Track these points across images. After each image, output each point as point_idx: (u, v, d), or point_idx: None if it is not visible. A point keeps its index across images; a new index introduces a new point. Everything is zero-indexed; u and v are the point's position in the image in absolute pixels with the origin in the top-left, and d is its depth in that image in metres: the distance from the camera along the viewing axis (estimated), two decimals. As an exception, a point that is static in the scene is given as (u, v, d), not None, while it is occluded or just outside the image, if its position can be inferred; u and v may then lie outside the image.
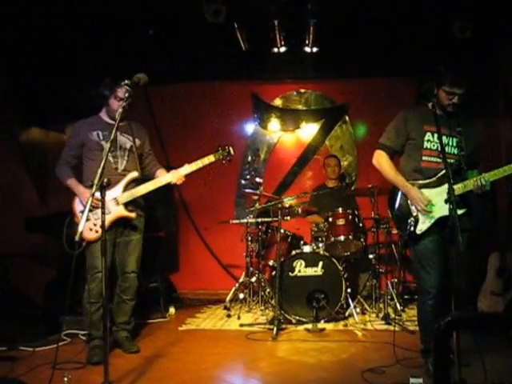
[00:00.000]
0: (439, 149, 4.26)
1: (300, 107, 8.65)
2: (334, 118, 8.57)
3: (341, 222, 6.58)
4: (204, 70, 7.97)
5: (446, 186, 4.14)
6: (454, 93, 4.28)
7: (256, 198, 7.17)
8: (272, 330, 5.77)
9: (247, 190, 7.45)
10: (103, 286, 3.83)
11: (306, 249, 6.48)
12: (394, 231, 6.87)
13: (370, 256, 6.74)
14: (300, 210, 6.99)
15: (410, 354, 4.74)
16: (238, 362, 5.03)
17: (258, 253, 7.15)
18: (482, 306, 5.71)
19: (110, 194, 4.81)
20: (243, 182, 8.62)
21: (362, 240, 6.63)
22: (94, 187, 3.75)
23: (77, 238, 3.60)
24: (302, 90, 8.63)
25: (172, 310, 7.00)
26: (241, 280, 7.25)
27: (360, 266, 7.25)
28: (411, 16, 6.58)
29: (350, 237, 6.51)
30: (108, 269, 4.75)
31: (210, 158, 5.19)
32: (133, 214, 4.99)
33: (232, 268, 8.28)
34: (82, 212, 4.58)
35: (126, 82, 4.21)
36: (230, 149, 5.32)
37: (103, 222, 3.77)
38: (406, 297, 7.12)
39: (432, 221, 4.29)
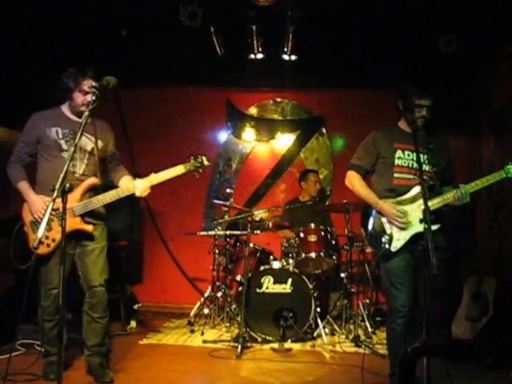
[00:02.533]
0: (410, 166, 4.46)
1: (276, 117, 8.68)
2: (311, 129, 8.61)
3: (312, 238, 6.59)
4: (178, 75, 7.97)
5: (419, 202, 4.32)
6: (422, 105, 4.41)
7: (225, 209, 7.16)
8: (236, 347, 5.76)
9: (216, 201, 7.40)
10: (60, 301, 3.68)
11: (275, 265, 6.48)
12: (368, 250, 6.93)
13: (342, 275, 6.74)
14: (271, 224, 7.01)
15: (379, 380, 4.77)
16: (199, 380, 5.02)
17: (225, 267, 7.13)
18: (456, 331, 5.74)
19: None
20: (213, 192, 8.59)
21: (334, 258, 6.66)
22: (56, 192, 3.63)
23: (35, 244, 3.49)
24: (279, 99, 8.67)
25: (133, 323, 6.95)
26: (206, 294, 7.22)
27: (331, 285, 7.26)
28: (395, 27, 6.64)
29: (322, 254, 6.52)
30: (67, 283, 4.69)
31: (180, 169, 4.80)
32: (90, 227, 4.62)
33: (198, 281, 8.25)
34: (33, 223, 4.52)
35: (94, 84, 4.15)
36: (204, 159, 4.90)
37: (63, 229, 3.66)
38: (377, 319, 7.08)
39: (407, 237, 4.35)
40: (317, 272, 6.77)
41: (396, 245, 4.36)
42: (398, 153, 4.49)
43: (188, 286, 8.33)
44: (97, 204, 4.60)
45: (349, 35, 6.94)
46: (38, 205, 4.49)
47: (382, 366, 4.97)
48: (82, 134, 3.95)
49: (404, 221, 4.32)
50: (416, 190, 4.37)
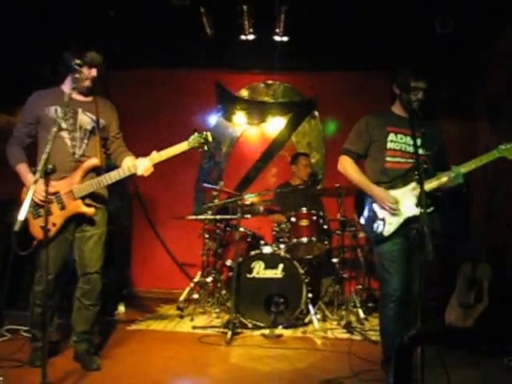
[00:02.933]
0: (403, 149, 4.41)
1: (267, 99, 8.57)
2: (302, 112, 8.52)
3: (304, 222, 6.49)
4: (166, 56, 7.83)
5: (412, 185, 4.31)
6: (419, 87, 4.35)
7: (215, 193, 7.07)
8: (226, 334, 5.68)
9: (206, 185, 7.27)
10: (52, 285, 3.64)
11: (266, 249, 6.40)
12: (361, 235, 6.87)
13: (334, 260, 6.66)
14: (262, 209, 6.91)
15: (371, 366, 4.72)
16: (188, 367, 4.89)
17: (215, 251, 7.05)
18: (450, 318, 5.69)
19: (65, 185, 4.44)
20: (203, 176, 8.48)
21: (326, 243, 6.56)
22: (38, 174, 3.53)
23: (16, 227, 3.38)
24: (270, 82, 8.56)
25: (122, 308, 6.88)
26: (196, 280, 7.13)
27: (322, 270, 7.19)
28: (389, 8, 6.50)
29: (314, 239, 6.41)
30: (61, 269, 4.61)
31: (184, 146, 4.64)
32: (91, 210, 4.51)
33: (187, 266, 8.16)
34: (32, 206, 4.39)
35: (77, 61, 4.02)
36: (208, 134, 4.69)
37: (46, 217, 3.58)
38: (370, 305, 7.03)
39: (400, 221, 4.29)
40: (308, 257, 6.70)
41: (389, 229, 4.30)
42: (391, 136, 4.44)
43: (177, 271, 8.24)
44: (98, 185, 4.51)
45: (341, 16, 6.77)
46: (38, 189, 4.25)
47: (374, 353, 4.93)
48: (67, 114, 3.83)
49: (395, 207, 4.27)
50: (408, 172, 4.33)
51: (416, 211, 4.12)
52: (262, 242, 6.84)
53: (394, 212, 4.27)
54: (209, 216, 6.95)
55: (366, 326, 6.36)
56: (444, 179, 4.30)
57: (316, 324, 6.16)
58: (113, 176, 4.54)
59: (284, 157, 8.32)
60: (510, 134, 6.36)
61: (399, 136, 4.42)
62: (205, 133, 4.71)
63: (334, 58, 7.80)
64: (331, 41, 7.36)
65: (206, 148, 4.73)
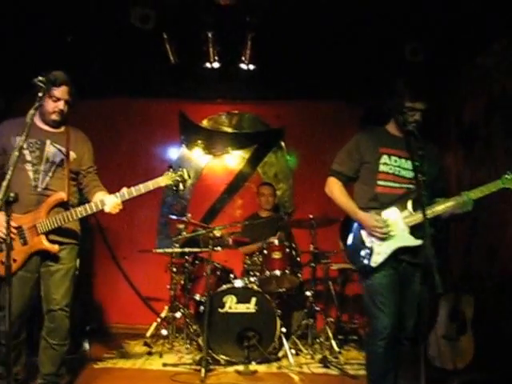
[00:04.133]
0: (396, 173, 4.11)
1: (231, 130, 8.38)
2: (269, 143, 8.35)
3: (277, 255, 6.22)
4: (127, 85, 7.58)
5: (405, 213, 4.01)
6: (416, 108, 4.03)
7: (182, 226, 6.78)
8: (199, 371, 5.39)
9: (174, 217, 6.96)
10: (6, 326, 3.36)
11: (238, 283, 6.14)
12: (334, 267, 6.66)
13: (308, 293, 6.39)
14: (231, 241, 6.64)
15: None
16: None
17: (183, 286, 6.75)
18: (432, 351, 5.48)
19: (28, 220, 4.16)
20: (166, 208, 8.19)
21: (299, 275, 6.32)
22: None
23: None
24: (235, 112, 8.38)
25: (86, 345, 6.45)
26: (163, 315, 6.81)
27: (293, 303, 6.92)
28: (358, 37, 6.41)
29: (287, 271, 6.17)
30: (24, 309, 4.27)
31: (157, 183, 4.30)
32: (54, 247, 4.20)
33: (153, 301, 7.81)
34: None
35: (40, 78, 3.71)
36: (184, 172, 4.36)
37: (8, 249, 3.26)
38: (340, 337, 6.85)
39: (389, 252, 3.98)
40: (281, 290, 6.45)
41: (376, 259, 3.99)
42: (384, 158, 4.14)
43: (142, 306, 7.87)
44: (63, 221, 4.20)
45: (309, 45, 6.67)
46: None
47: None
48: (27, 136, 3.49)
49: (384, 231, 3.95)
50: (400, 199, 4.05)
51: (408, 242, 3.97)
52: (232, 276, 6.57)
53: (384, 237, 3.96)
54: (177, 249, 6.63)
55: (341, 359, 6.13)
56: (450, 203, 3.98)
57: (291, 359, 5.91)
58: (79, 212, 4.23)
59: (250, 188, 8.12)
60: (483, 162, 6.30)
61: (393, 158, 4.13)
62: (181, 170, 4.40)
63: (301, 88, 7.70)
64: (298, 70, 7.24)
65: (181, 187, 4.40)
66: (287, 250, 6.29)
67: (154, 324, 6.81)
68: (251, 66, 7.06)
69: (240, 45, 6.74)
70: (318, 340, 6.39)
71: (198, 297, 6.52)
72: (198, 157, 8.31)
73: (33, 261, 4.23)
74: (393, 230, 3.99)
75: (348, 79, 7.32)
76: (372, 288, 4.06)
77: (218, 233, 6.08)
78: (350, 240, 4.16)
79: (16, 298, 4.06)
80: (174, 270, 6.75)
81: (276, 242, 6.33)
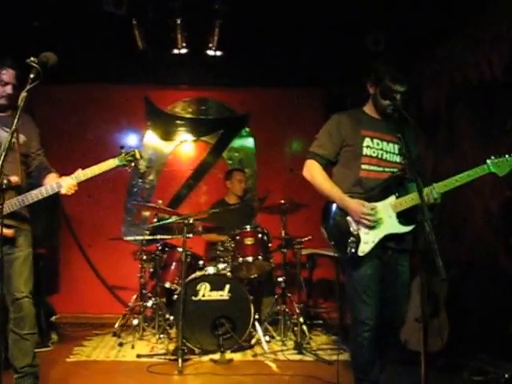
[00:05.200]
0: (379, 156, 3.90)
1: (197, 116, 8.19)
2: (234, 129, 8.20)
3: (249, 241, 6.07)
4: (94, 70, 7.29)
5: (391, 199, 3.82)
6: (396, 91, 3.83)
7: (147, 213, 6.63)
8: (174, 361, 5.25)
9: (146, 204, 6.78)
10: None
11: (210, 270, 5.95)
12: (304, 252, 6.58)
13: (280, 279, 6.26)
14: (200, 228, 6.50)
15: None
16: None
17: (153, 274, 6.55)
18: (404, 334, 5.43)
19: None
20: (133, 195, 7.98)
21: (271, 261, 6.19)
22: None
23: None
24: (201, 98, 8.19)
25: (54, 336, 6.21)
26: (131, 304, 6.62)
27: (263, 290, 6.77)
28: (322, 27, 6.30)
29: (260, 257, 6.02)
30: None
31: (110, 164, 4.18)
32: (10, 231, 3.96)
33: (119, 290, 7.61)
34: None
35: (33, 59, 3.51)
36: (136, 152, 4.26)
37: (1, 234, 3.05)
38: (307, 322, 6.68)
39: (376, 240, 3.77)
40: (253, 276, 6.30)
41: (364, 249, 3.77)
42: (367, 141, 3.90)
43: (108, 295, 7.67)
44: (18, 205, 3.97)
45: (275, 32, 6.50)
46: None
47: (334, 374, 4.49)
48: (18, 121, 3.30)
49: (374, 219, 3.74)
50: (387, 184, 3.86)
51: (396, 228, 3.80)
52: (201, 263, 6.41)
53: (373, 225, 3.76)
54: (147, 237, 6.44)
55: (312, 345, 6.08)
56: (417, 199, 3.66)
57: (265, 346, 5.80)
58: (34, 195, 4.02)
59: (215, 174, 7.95)
60: (447, 148, 6.30)
61: (375, 141, 3.90)
62: (132, 150, 4.27)
63: (266, 74, 7.53)
64: (263, 57, 7.10)
65: (133, 165, 4.30)
66: (259, 235, 6.15)
67: (123, 314, 6.62)
68: (218, 53, 6.89)
69: (208, 31, 6.55)
70: (289, 326, 6.29)
71: (168, 285, 6.33)
72: (163, 143, 8.11)
73: None
74: (381, 217, 3.80)
75: (311, 66, 7.22)
76: (357, 279, 3.87)
77: (191, 220, 5.93)
78: (332, 227, 3.93)
79: None
80: (144, 257, 6.54)
81: (248, 228, 6.21)
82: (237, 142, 8.23)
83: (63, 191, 4.06)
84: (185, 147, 8.21)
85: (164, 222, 6.15)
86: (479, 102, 5.78)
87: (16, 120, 3.27)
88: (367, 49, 6.37)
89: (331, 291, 7.37)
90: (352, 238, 3.81)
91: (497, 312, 5.23)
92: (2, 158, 3.10)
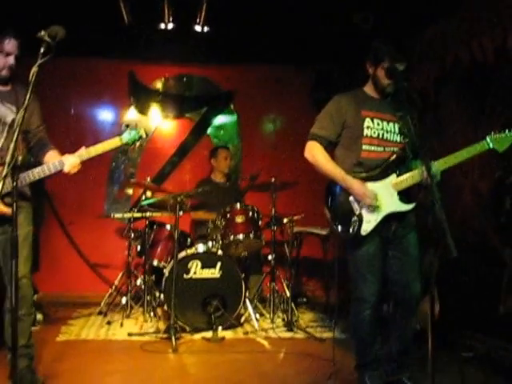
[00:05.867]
0: (380, 136, 3.92)
1: (182, 92, 8.07)
2: (219, 106, 8.12)
3: (240, 218, 6.04)
4: (77, 44, 7.05)
5: (391, 178, 3.86)
6: (396, 69, 3.84)
7: (130, 191, 6.59)
8: (165, 339, 5.27)
9: (134, 181, 6.68)
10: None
11: (201, 248, 5.92)
12: (296, 229, 6.58)
13: (270, 257, 6.27)
14: (188, 205, 6.43)
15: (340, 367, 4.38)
16: (152, 381, 4.35)
17: (140, 252, 6.50)
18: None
19: None
20: (115, 171, 7.86)
21: (262, 238, 6.14)
22: (6, 168, 2.90)
23: None
24: (186, 74, 8.06)
25: (39, 316, 6.08)
26: (117, 282, 6.56)
27: (251, 267, 6.78)
28: (310, 3, 6.20)
29: (251, 235, 5.99)
30: None
31: (115, 142, 4.07)
32: (10, 210, 3.74)
33: (102, 268, 7.52)
34: None
35: (43, 33, 3.40)
36: (142, 130, 4.19)
37: (14, 213, 2.96)
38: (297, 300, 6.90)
39: (378, 219, 3.81)
40: (243, 254, 6.28)
41: (366, 228, 3.80)
42: (367, 121, 3.92)
43: (91, 274, 7.55)
44: (20, 183, 3.81)
45: (263, 9, 6.37)
46: None
47: (328, 351, 4.60)
48: (30, 97, 3.20)
49: (374, 203, 3.78)
50: (388, 163, 3.88)
51: (397, 207, 3.84)
52: (189, 240, 6.39)
53: (372, 209, 3.80)
54: (137, 214, 6.36)
55: (301, 323, 6.14)
56: (417, 177, 3.82)
57: (256, 324, 5.82)
58: (37, 173, 3.91)
59: (199, 151, 7.87)
60: (435, 129, 6.32)
61: (376, 121, 3.91)
62: (138, 129, 4.21)
63: (252, 51, 7.40)
64: (249, 33, 6.99)
65: (137, 144, 4.26)
66: (250, 213, 6.12)
67: (109, 292, 6.57)
68: (205, 28, 6.79)
69: (195, 7, 6.43)
70: (277, 304, 6.31)
71: (155, 262, 6.30)
72: (147, 119, 7.96)
73: None
74: (382, 196, 3.83)
75: (298, 43, 7.17)
76: (359, 258, 3.92)
77: (181, 197, 5.85)
78: (335, 207, 3.94)
79: None
80: (133, 235, 6.46)
81: (238, 205, 6.18)
82: (221, 120, 8.14)
83: (66, 170, 3.97)
84: (169, 124, 8.10)
85: (157, 199, 6.07)
86: (469, 84, 5.80)
87: (28, 96, 3.16)
88: (355, 26, 6.34)
89: (317, 269, 7.39)
90: (354, 218, 3.84)
91: (486, 291, 5.30)
92: (15, 136, 3.00)
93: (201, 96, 8.09)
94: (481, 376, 4.39)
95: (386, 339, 4.07)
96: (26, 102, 3.17)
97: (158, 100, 7.97)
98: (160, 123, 8.06)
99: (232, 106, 8.13)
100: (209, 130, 8.11)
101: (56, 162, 3.97)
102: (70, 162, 3.96)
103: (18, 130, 3.05)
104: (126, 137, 4.14)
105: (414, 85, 6.79)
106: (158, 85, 8.04)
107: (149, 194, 6.65)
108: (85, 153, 4.02)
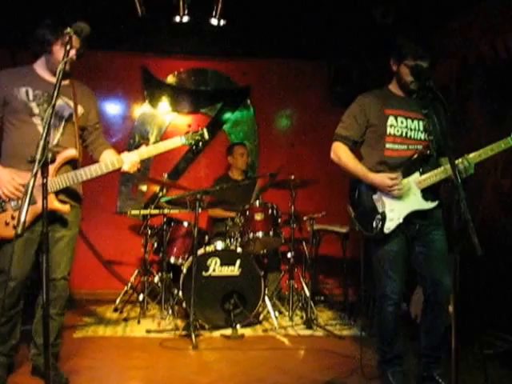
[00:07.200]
0: (404, 135, 4.07)
1: (197, 87, 8.20)
2: (235, 101, 8.24)
3: (259, 216, 6.21)
4: (89, 37, 7.23)
5: (415, 176, 4.00)
6: (420, 66, 3.94)
7: (144, 187, 6.76)
8: (184, 336, 5.45)
9: (154, 178, 6.83)
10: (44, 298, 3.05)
11: (220, 245, 6.09)
12: (309, 228, 6.71)
13: (289, 255, 6.41)
14: (207, 202, 6.59)
15: (364, 363, 4.47)
16: (176, 377, 4.46)
17: (157, 249, 6.66)
18: (415, 310, 5.62)
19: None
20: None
21: (281, 236, 6.29)
22: (37, 164, 3.02)
23: (19, 230, 2.87)
24: (201, 68, 8.19)
25: (52, 311, 6.27)
26: (133, 279, 6.73)
27: (269, 265, 6.94)
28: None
29: (271, 233, 6.15)
30: (27, 275, 4.01)
31: (176, 142, 4.28)
32: (66, 207, 3.91)
33: (116, 265, 7.70)
34: None
35: (69, 30, 3.51)
36: (204, 131, 4.33)
37: (45, 209, 3.04)
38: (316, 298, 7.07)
39: (401, 217, 3.96)
40: (262, 252, 6.48)
41: (389, 226, 3.95)
42: (391, 120, 4.06)
43: (104, 271, 7.72)
44: (75, 180, 3.94)
45: (281, 2, 6.52)
46: (4, 179, 3.78)
47: (346, 347, 5.02)
48: (58, 95, 3.24)
49: (401, 188, 3.92)
50: (411, 161, 4.02)
51: (421, 205, 3.99)
52: (207, 238, 6.55)
53: (401, 193, 3.93)
54: (154, 211, 6.51)
55: (320, 321, 6.27)
56: (441, 175, 3.96)
57: (275, 321, 5.97)
58: (94, 170, 4.00)
59: (215, 147, 7.98)
60: (457, 125, 6.42)
61: (399, 119, 4.06)
62: (200, 130, 4.36)
63: (269, 46, 7.59)
64: (266, 28, 7.13)
65: (200, 145, 4.39)
66: (269, 211, 6.28)
67: (125, 289, 6.74)
68: (222, 22, 6.90)
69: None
70: (296, 301, 6.49)
71: (173, 259, 6.44)
72: (161, 114, 8.10)
73: (39, 223, 3.90)
74: (405, 194, 3.98)
75: (316, 38, 7.30)
76: (383, 255, 4.07)
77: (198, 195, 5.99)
78: (359, 205, 4.11)
79: (19, 262, 3.89)
80: (150, 232, 6.63)
81: (257, 203, 6.35)
82: (238, 115, 8.27)
83: (126, 168, 4.14)
84: (183, 119, 8.21)
85: (177, 196, 6.20)
86: (493, 82, 5.91)
87: (56, 91, 3.22)
88: (374, 21, 6.46)
89: (335, 268, 7.52)
90: (378, 216, 4.00)
91: (505, 288, 5.43)
92: (46, 130, 3.09)
93: (216, 91, 8.21)
94: (502, 374, 4.52)
95: (414, 336, 4.24)
96: (54, 99, 3.14)
97: (172, 95, 8.10)
98: (174, 118, 8.19)
99: (248, 102, 8.25)
100: (225, 126, 8.23)
101: (114, 159, 4.11)
102: (130, 160, 4.14)
103: (47, 126, 3.11)
104: (188, 137, 4.33)
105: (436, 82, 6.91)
106: (172, 79, 8.17)
107: (158, 189, 6.84)
108: (145, 151, 4.23)
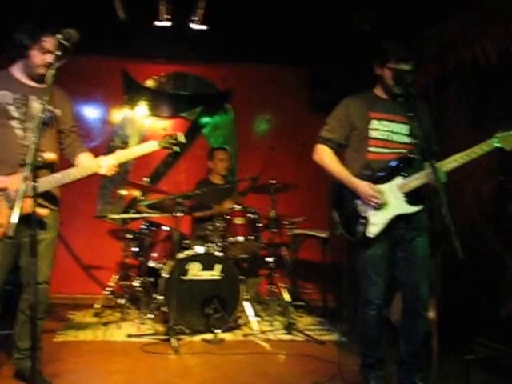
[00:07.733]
0: (387, 138, 4.13)
1: (176, 91, 8.26)
2: (214, 105, 8.32)
3: (239, 220, 6.31)
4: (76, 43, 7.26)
5: (398, 180, 4.05)
6: (402, 70, 4.05)
7: (124, 191, 6.82)
8: (165, 341, 5.49)
9: (134, 182, 6.86)
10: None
11: (200, 249, 6.13)
12: (289, 233, 6.81)
13: (269, 259, 6.51)
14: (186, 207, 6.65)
15: (344, 368, 4.58)
16: (164, 382, 4.55)
17: (137, 253, 6.70)
18: (394, 314, 5.70)
19: (14, 181, 3.78)
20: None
21: (261, 241, 6.40)
22: (28, 168, 3.08)
23: (11, 232, 2.94)
24: (181, 72, 8.26)
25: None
26: (112, 284, 6.77)
27: (248, 270, 6.99)
28: (309, 3, 6.43)
29: (251, 237, 6.25)
30: (5, 280, 4.08)
31: (152, 146, 4.33)
32: (45, 211, 3.89)
33: (95, 270, 7.72)
34: None
35: (59, 36, 3.58)
36: (179, 136, 4.46)
37: (33, 213, 3.13)
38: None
39: (385, 222, 4.02)
40: (242, 256, 6.51)
41: (373, 230, 4.03)
42: (374, 123, 4.12)
43: (82, 275, 7.73)
44: (54, 184, 4.01)
45: (261, 8, 6.59)
46: None
47: (330, 353, 5.06)
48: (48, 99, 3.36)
49: (380, 202, 3.99)
50: (394, 165, 4.07)
51: (404, 209, 4.03)
52: (186, 242, 6.59)
53: (378, 207, 3.99)
54: (134, 215, 6.57)
55: (299, 326, 6.32)
56: (423, 179, 3.98)
57: (255, 326, 6.05)
58: (71, 174, 4.08)
59: (195, 152, 8.06)
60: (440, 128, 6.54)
61: (384, 123, 4.12)
62: (175, 134, 4.48)
63: (249, 50, 7.66)
64: (247, 32, 7.23)
65: (175, 149, 4.50)
66: (250, 215, 6.37)
67: (104, 293, 6.78)
68: (203, 27, 6.97)
69: (192, 4, 6.62)
70: (275, 306, 6.59)
71: (152, 264, 6.50)
72: (141, 118, 8.16)
73: (19, 227, 4.05)
74: (388, 199, 4.03)
75: (296, 44, 7.41)
76: (365, 260, 4.15)
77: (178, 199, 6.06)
78: (344, 210, 4.18)
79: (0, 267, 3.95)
80: (130, 236, 6.68)
81: (237, 207, 6.42)
82: (217, 119, 8.35)
83: (103, 171, 4.16)
84: (163, 123, 8.28)
85: (157, 200, 6.26)
86: (472, 86, 6.04)
87: (47, 98, 3.30)
88: (354, 27, 6.56)
89: (315, 272, 7.62)
90: (361, 220, 4.08)
91: (487, 294, 5.55)
92: (38, 133, 3.16)
93: (196, 95, 8.28)
94: (483, 379, 4.61)
95: (395, 342, 4.32)
96: (44, 103, 3.29)
97: (151, 99, 8.16)
98: (154, 122, 8.25)
99: (228, 106, 8.34)
100: (204, 130, 8.30)
101: (92, 163, 4.17)
102: (107, 164, 4.16)
103: (38, 130, 3.19)
104: (163, 142, 4.41)
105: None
106: (152, 83, 8.22)
107: (138, 194, 6.92)
108: (122, 155, 4.25)
